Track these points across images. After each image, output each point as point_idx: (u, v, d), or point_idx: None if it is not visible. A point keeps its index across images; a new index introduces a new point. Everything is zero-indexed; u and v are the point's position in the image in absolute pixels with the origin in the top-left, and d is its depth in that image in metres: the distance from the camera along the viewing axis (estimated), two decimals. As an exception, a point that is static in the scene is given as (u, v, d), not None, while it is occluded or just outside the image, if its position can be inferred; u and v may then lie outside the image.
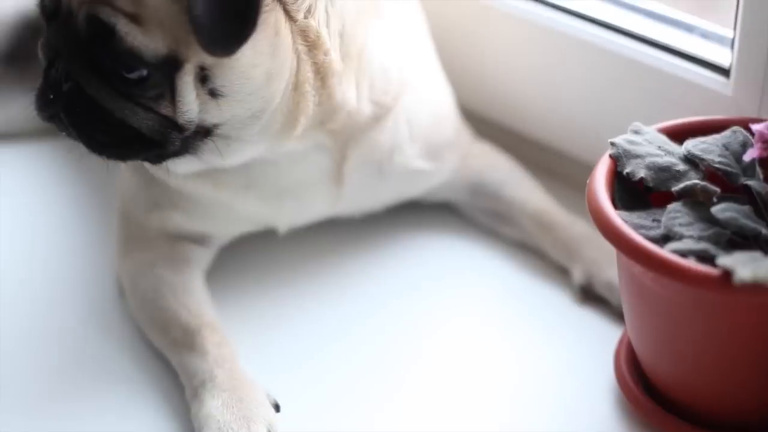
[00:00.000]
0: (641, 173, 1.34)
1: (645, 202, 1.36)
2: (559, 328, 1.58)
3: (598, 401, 1.47)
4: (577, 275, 1.60)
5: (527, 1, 1.75)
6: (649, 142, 1.38)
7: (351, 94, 1.51)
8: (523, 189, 1.72)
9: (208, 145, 1.43)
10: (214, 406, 1.42)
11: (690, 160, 1.36)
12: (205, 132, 1.42)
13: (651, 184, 1.34)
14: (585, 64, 1.69)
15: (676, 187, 1.33)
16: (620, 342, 1.50)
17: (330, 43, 1.45)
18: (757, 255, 1.23)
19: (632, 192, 1.37)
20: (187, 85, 1.37)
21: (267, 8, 1.36)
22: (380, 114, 1.56)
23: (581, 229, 1.64)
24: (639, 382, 1.44)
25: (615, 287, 1.52)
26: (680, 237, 1.27)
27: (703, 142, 1.37)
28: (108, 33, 1.34)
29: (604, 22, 1.68)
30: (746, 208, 1.28)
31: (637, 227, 1.30)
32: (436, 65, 1.70)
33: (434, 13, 1.74)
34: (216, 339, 1.50)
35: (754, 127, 1.33)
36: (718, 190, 1.32)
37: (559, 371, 1.52)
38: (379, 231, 1.74)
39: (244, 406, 1.42)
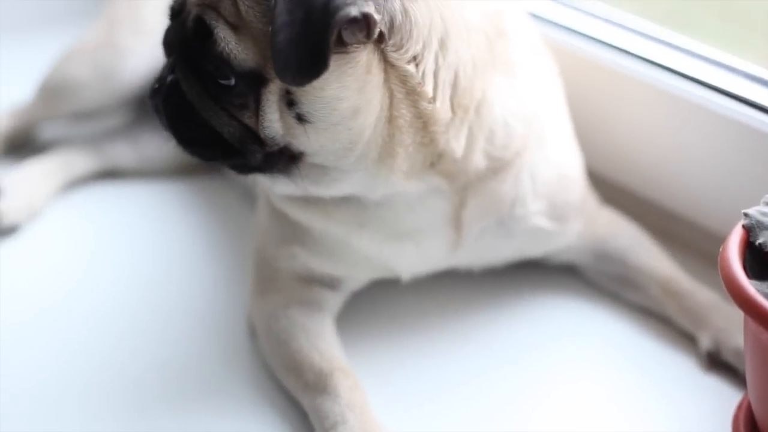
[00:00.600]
0: (773, 244, 1.37)
1: (776, 272, 1.39)
2: (679, 392, 1.58)
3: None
4: (705, 342, 1.61)
5: (662, 72, 1.77)
6: (782, 215, 1.41)
7: (458, 144, 1.50)
8: (650, 256, 1.72)
9: (301, 171, 1.47)
10: (345, 449, 1.45)
11: (822, 233, 1.38)
12: (292, 156, 1.46)
13: (783, 256, 1.37)
14: (719, 136, 1.70)
15: (808, 260, 1.35)
16: (739, 407, 1.51)
17: (436, 92, 1.45)
18: None
19: (764, 262, 1.39)
20: (270, 102, 1.41)
21: (354, 49, 1.37)
22: (498, 167, 1.56)
23: (708, 297, 1.64)
24: (759, 447, 1.45)
25: (743, 354, 1.52)
26: (811, 308, 1.29)
27: (836, 216, 1.39)
28: (208, 34, 1.40)
29: (741, 96, 1.69)
30: None
31: (768, 296, 1.33)
32: (568, 127, 1.70)
33: (568, 79, 1.75)
34: (348, 383, 1.52)
35: None
36: None
37: (677, 434, 1.53)
38: (502, 287, 1.75)
39: (374, 449, 1.45)
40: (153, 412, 1.59)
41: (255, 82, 1.40)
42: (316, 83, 1.37)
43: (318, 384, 1.53)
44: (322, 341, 1.59)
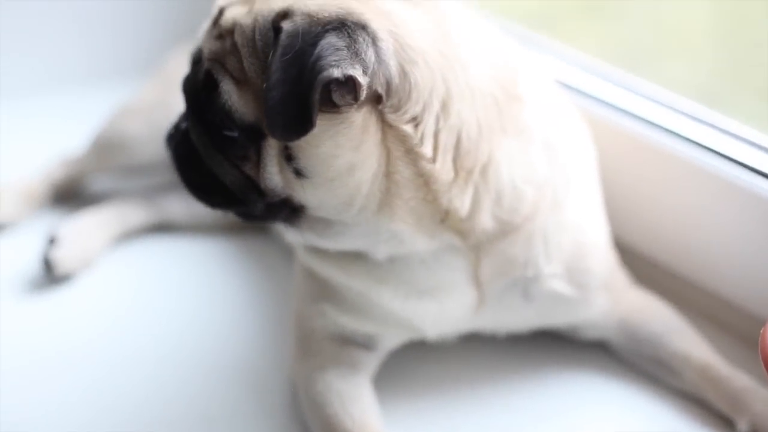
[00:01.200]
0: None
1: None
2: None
3: None
4: (743, 427, 1.60)
5: (704, 152, 1.78)
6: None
7: (461, 204, 1.49)
8: (685, 341, 1.70)
9: (305, 222, 1.50)
10: None
11: None
12: (293, 208, 1.49)
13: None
14: (757, 217, 1.70)
15: None
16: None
17: (436, 153, 1.45)
18: None
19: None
20: (270, 156, 1.44)
21: (346, 110, 1.39)
22: (507, 230, 1.55)
23: (745, 382, 1.63)
24: None
25: (781, 438, 1.53)
26: None
27: None
28: (214, 87, 1.45)
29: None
30: None
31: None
32: (594, 196, 1.69)
33: (606, 151, 1.77)
34: None
35: None
36: None
37: None
38: (537, 360, 1.75)
39: None
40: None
41: (255, 135, 1.44)
42: (311, 140, 1.40)
43: None
44: (356, 407, 1.60)
